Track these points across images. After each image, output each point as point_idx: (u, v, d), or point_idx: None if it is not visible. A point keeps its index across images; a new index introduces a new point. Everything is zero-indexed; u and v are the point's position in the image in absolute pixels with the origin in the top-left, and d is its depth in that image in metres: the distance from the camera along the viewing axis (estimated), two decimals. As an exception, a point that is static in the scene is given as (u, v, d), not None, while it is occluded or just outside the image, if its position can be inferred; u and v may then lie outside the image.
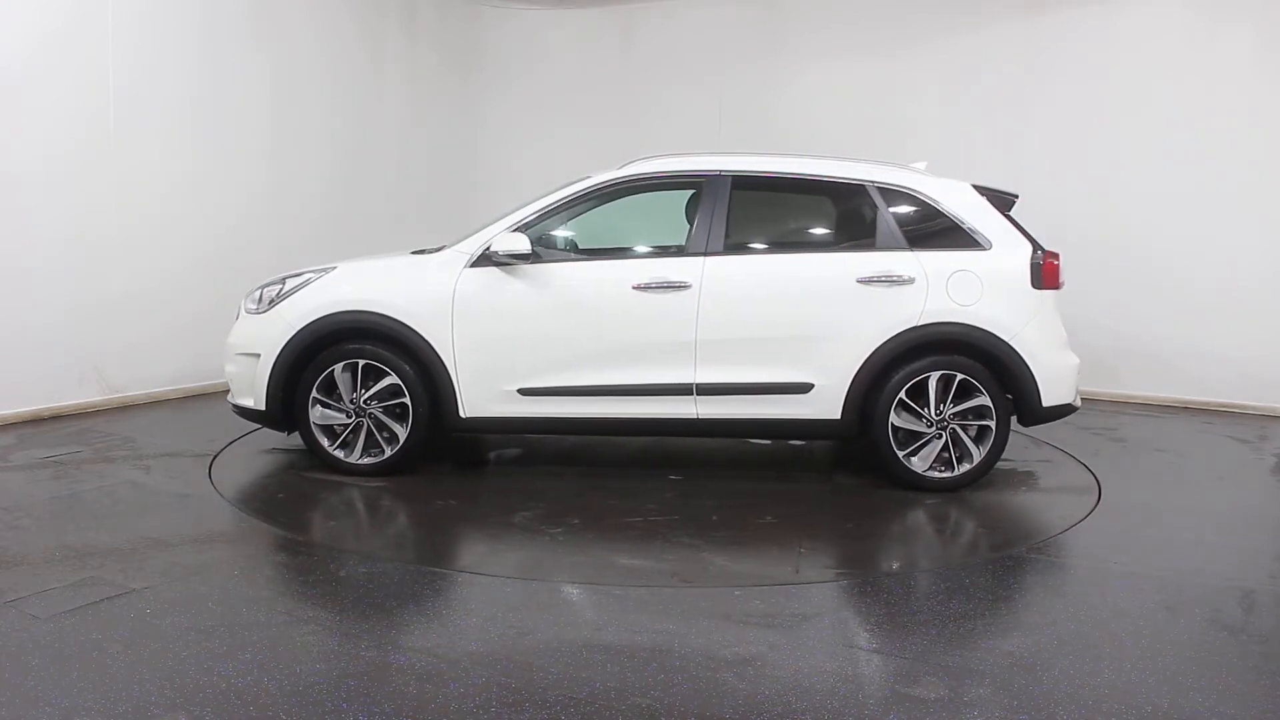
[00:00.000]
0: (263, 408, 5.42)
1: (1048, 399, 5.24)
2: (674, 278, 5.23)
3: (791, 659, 3.33)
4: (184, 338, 7.42)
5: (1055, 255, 5.31)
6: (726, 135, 9.16)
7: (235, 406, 5.64)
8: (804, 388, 5.22)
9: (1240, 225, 7.57)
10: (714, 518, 4.85)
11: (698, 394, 5.24)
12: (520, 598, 3.79)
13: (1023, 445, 6.24)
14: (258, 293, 5.61)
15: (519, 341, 5.27)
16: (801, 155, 5.66)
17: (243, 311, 5.64)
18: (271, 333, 5.38)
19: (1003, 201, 5.44)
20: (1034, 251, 5.26)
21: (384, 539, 4.66)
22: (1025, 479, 5.70)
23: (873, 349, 5.17)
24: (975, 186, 5.42)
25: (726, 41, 9.25)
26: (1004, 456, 5.90)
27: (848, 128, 8.63)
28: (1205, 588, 4.01)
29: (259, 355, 5.40)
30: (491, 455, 6.16)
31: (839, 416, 5.24)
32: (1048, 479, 5.72)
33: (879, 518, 4.97)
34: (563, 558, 4.37)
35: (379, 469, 5.38)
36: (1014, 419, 5.36)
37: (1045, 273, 5.24)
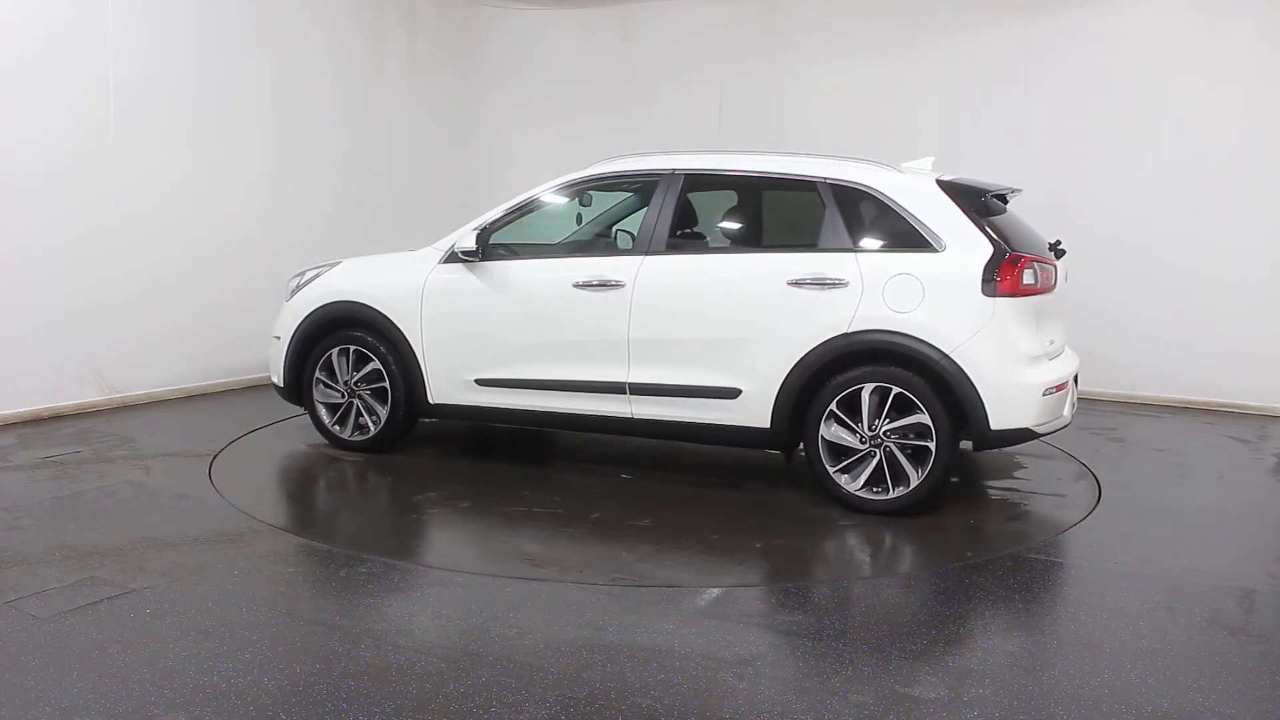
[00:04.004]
0: (281, 385, 5.99)
1: (997, 421, 4.65)
2: (610, 276, 5.22)
3: (791, 659, 3.34)
4: (184, 338, 7.41)
5: (1017, 259, 4.71)
6: (726, 134, 9.14)
7: (273, 384, 6.13)
8: (731, 393, 5.00)
9: (1241, 224, 7.55)
10: (594, 515, 4.84)
11: (631, 393, 5.21)
12: (521, 596, 3.79)
13: (1020, 445, 6.20)
14: (290, 283, 6.14)
15: (475, 334, 5.52)
16: (758, 153, 5.53)
17: (284, 299, 6.18)
18: (288, 319, 5.95)
19: (971, 197, 4.92)
20: (993, 254, 4.69)
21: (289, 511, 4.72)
22: (1024, 479, 5.70)
23: (800, 355, 4.84)
24: (941, 182, 4.94)
25: (726, 40, 9.23)
26: (1005, 455, 5.91)
27: (848, 127, 8.61)
28: (1205, 588, 4.00)
29: (280, 338, 5.97)
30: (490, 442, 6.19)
31: (768, 425, 4.96)
32: (1047, 479, 5.71)
33: (763, 532, 4.61)
34: (396, 532, 4.71)
35: (365, 446, 5.82)
36: (967, 441, 4.87)
37: (1000, 278, 4.65)
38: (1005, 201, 5.39)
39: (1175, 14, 7.69)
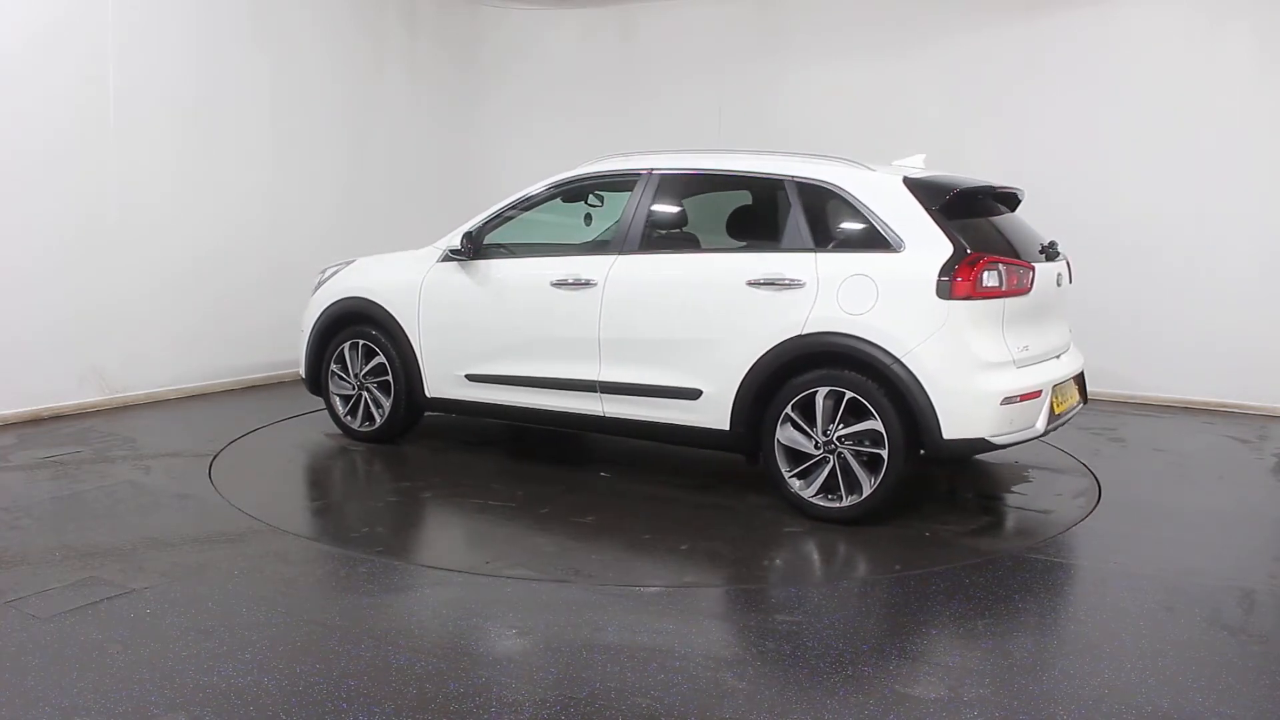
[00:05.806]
0: (304, 376, 6.30)
1: (950, 430, 4.44)
2: (584, 275, 5.27)
3: (791, 659, 3.33)
4: (184, 338, 7.41)
5: (976, 260, 4.49)
6: (726, 134, 9.14)
7: (300, 376, 6.40)
8: (693, 394, 4.96)
9: (1241, 225, 7.55)
10: (544, 510, 4.89)
11: (601, 391, 5.24)
12: (521, 596, 3.79)
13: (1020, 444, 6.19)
14: (315, 279, 6.41)
15: (466, 330, 5.67)
16: (732, 152, 5.50)
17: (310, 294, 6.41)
18: (310, 313, 6.24)
19: (937, 195, 4.71)
20: (951, 255, 4.49)
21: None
22: (1024, 479, 5.70)
23: (757, 357, 4.76)
24: (908, 180, 4.75)
25: (726, 40, 9.23)
26: (1003, 455, 5.90)
27: (847, 127, 8.61)
28: (1205, 588, 4.00)
29: (304, 332, 6.24)
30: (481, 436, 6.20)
31: (728, 427, 4.89)
32: (1047, 479, 5.71)
33: (697, 535, 4.55)
34: (342, 517, 4.95)
35: (371, 436, 6.06)
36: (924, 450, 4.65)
37: (956, 280, 4.44)
38: (1011, 202, 5.33)
39: (1175, 15, 7.69)
